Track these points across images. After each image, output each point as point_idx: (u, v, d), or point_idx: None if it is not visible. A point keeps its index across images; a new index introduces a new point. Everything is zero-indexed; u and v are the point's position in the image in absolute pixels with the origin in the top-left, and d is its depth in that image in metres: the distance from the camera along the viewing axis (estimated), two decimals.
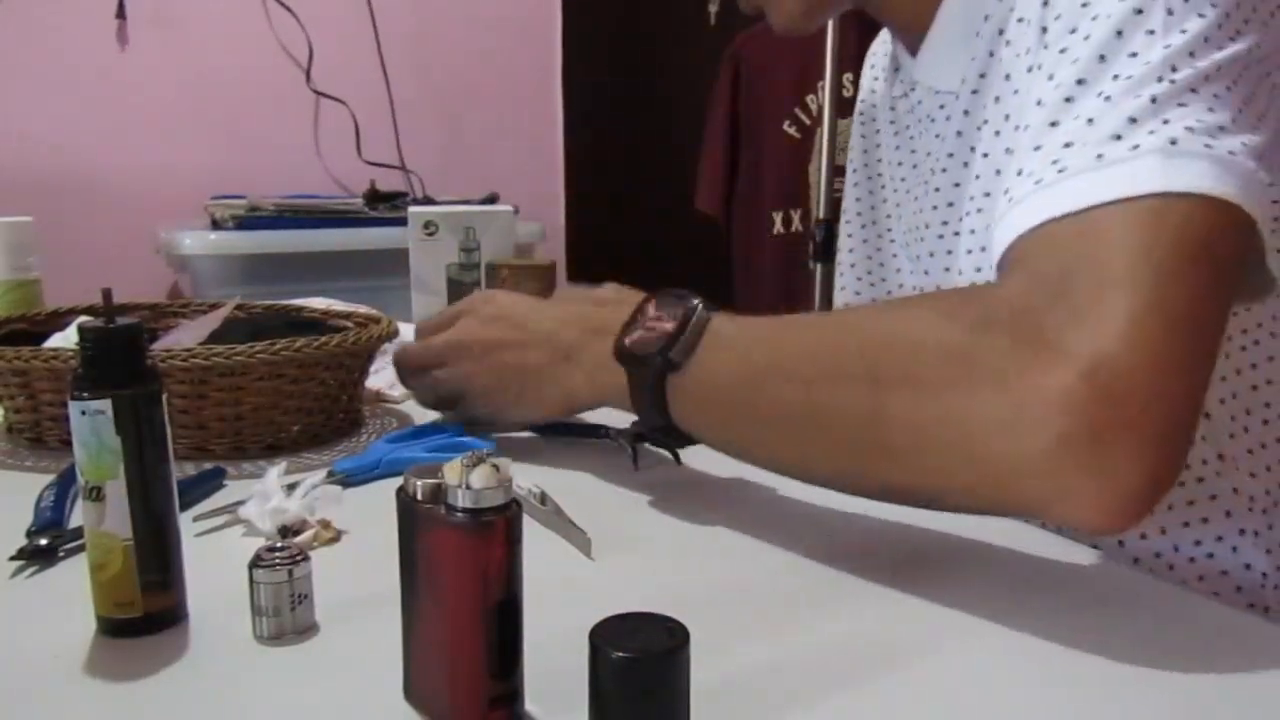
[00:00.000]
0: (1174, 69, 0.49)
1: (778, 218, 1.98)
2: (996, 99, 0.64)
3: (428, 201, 2.10)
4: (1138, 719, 0.42)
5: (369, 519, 0.60)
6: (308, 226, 1.93)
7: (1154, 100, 0.49)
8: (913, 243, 0.77)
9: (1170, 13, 0.50)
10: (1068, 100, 0.51)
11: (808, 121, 1.93)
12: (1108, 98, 0.50)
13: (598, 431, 0.78)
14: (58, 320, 0.88)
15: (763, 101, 1.97)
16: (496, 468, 0.38)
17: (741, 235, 2.04)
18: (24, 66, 2.06)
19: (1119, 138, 0.48)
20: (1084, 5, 0.53)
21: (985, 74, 0.66)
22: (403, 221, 1.26)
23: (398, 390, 0.93)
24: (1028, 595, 0.53)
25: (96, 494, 0.46)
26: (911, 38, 0.73)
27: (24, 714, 0.42)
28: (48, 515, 0.59)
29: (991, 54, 0.65)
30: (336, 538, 0.59)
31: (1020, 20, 0.62)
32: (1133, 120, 0.49)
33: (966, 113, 0.68)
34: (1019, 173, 0.52)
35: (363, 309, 0.95)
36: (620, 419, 0.80)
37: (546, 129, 2.62)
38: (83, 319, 0.72)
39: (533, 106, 2.59)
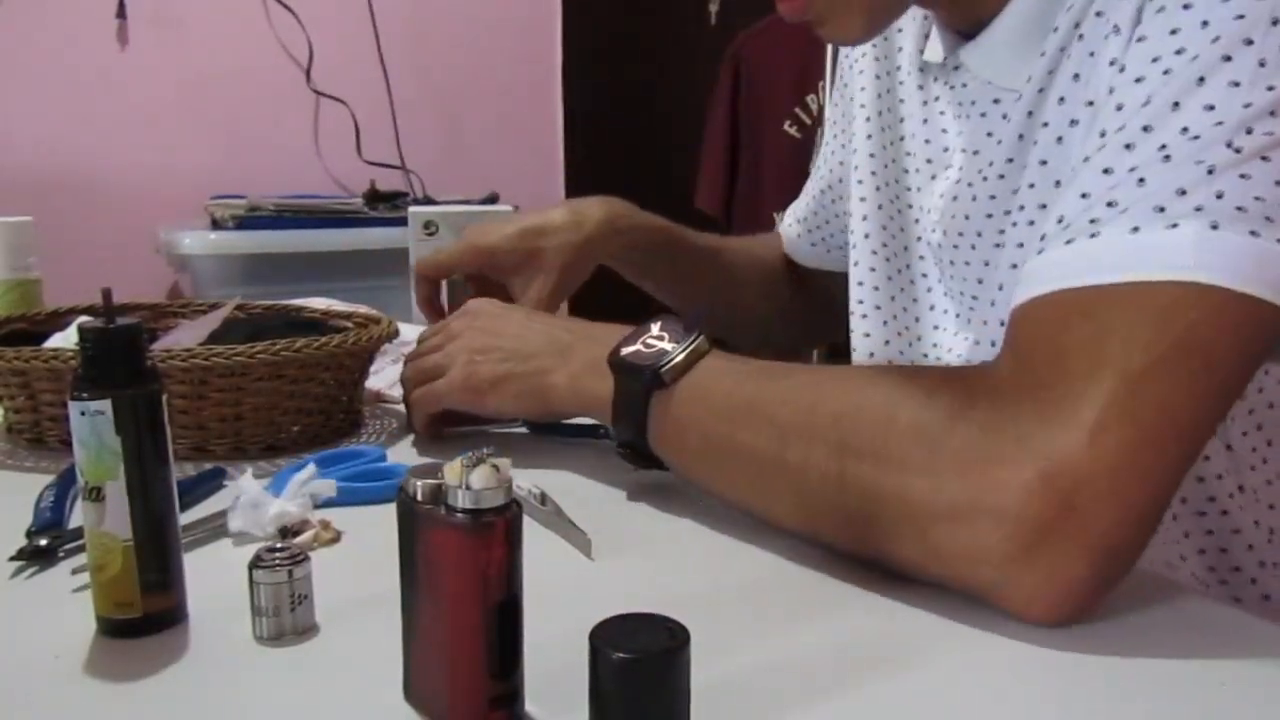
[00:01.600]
0: (1248, 131, 0.45)
1: (778, 218, 1.98)
2: (1061, 100, 0.59)
3: (428, 201, 2.10)
4: (1137, 719, 0.42)
5: (369, 519, 0.60)
6: (308, 226, 1.93)
7: (1211, 172, 0.45)
8: (948, 244, 0.71)
9: (1262, 64, 0.46)
10: (1128, 147, 0.48)
11: (808, 121, 1.93)
12: (1167, 157, 0.47)
13: (597, 431, 0.78)
14: (57, 320, 0.88)
15: (763, 101, 1.97)
16: (496, 468, 0.38)
17: (742, 235, 2.04)
18: (24, 66, 2.06)
19: (1162, 210, 0.46)
20: (1172, 33, 0.49)
21: (1054, 71, 0.60)
22: (403, 221, 1.26)
23: (397, 391, 0.93)
24: None
25: (96, 494, 0.46)
26: (964, 23, 0.67)
27: (24, 714, 0.42)
28: (47, 516, 0.59)
29: (1063, 50, 0.60)
30: (336, 538, 0.59)
31: (1099, 15, 0.57)
32: (1181, 192, 0.45)
33: (1030, 114, 0.62)
34: (1059, 219, 0.50)
35: (363, 309, 0.95)
36: None
37: (546, 129, 2.62)
38: (83, 319, 0.72)
39: (533, 106, 2.59)
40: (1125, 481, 0.44)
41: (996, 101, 0.67)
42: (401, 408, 0.90)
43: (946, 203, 0.71)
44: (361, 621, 0.48)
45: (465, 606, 0.38)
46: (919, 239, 0.77)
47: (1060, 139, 0.60)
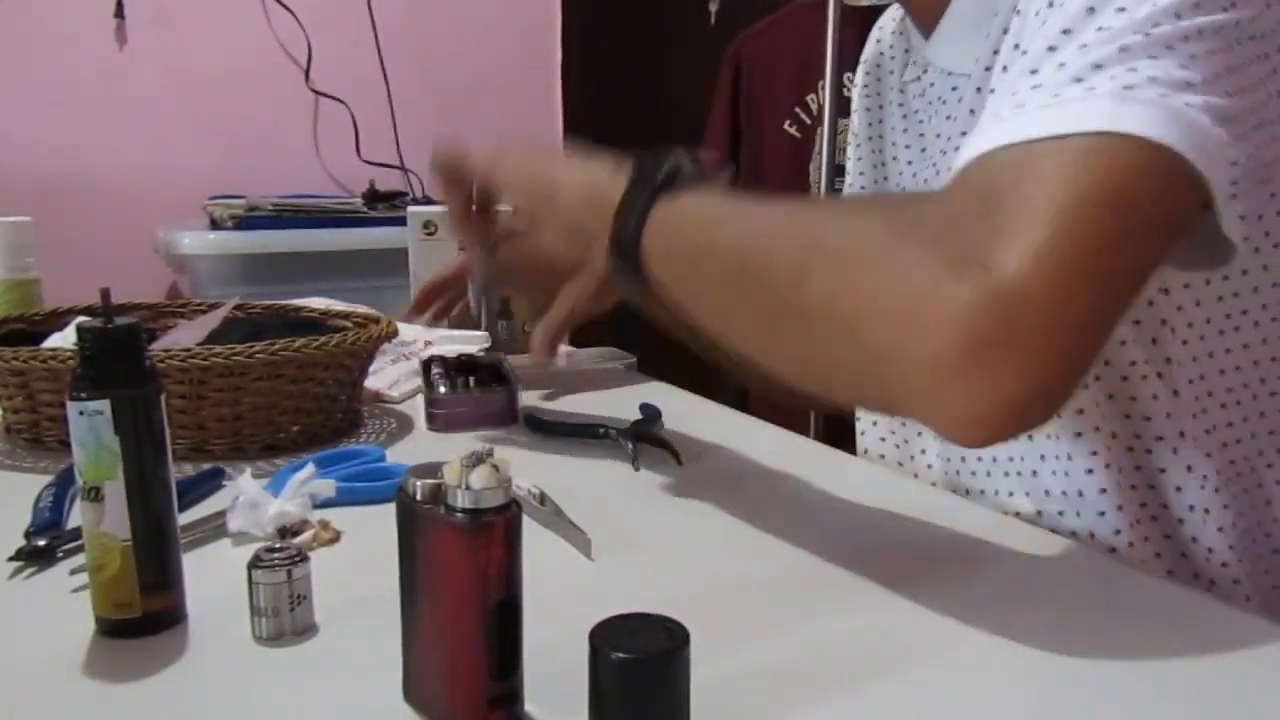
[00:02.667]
0: (1155, 24, 0.50)
1: None
2: (1005, 69, 0.64)
3: (427, 201, 2.10)
4: (1138, 718, 0.42)
5: (368, 519, 0.60)
6: (307, 226, 1.93)
7: (1124, 49, 0.49)
8: None
9: None
10: (1050, 49, 0.52)
11: (808, 121, 1.93)
12: (1084, 46, 0.50)
13: (597, 431, 0.78)
14: (56, 320, 0.88)
15: (763, 101, 1.96)
16: (496, 468, 0.38)
17: None
18: (22, 66, 2.06)
19: (1079, 80, 0.49)
20: None
21: (999, 50, 0.66)
22: (402, 221, 1.26)
23: (397, 390, 0.93)
24: (1027, 596, 0.53)
25: (95, 495, 0.46)
26: (927, 19, 0.74)
27: (24, 714, 0.42)
28: (46, 516, 0.59)
29: (1006, 30, 0.66)
30: (336, 538, 0.59)
31: None
32: (1098, 66, 0.49)
33: (979, 90, 0.69)
34: (990, 114, 0.53)
35: (362, 309, 0.95)
36: (620, 419, 0.80)
37: (546, 129, 2.62)
38: (81, 319, 0.72)
39: (533, 106, 2.59)
40: (1064, 306, 0.45)
41: (954, 88, 0.73)
42: (400, 408, 0.90)
43: (920, 186, 0.78)
44: (361, 621, 0.48)
45: (465, 606, 0.38)
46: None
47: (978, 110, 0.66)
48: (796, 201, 0.59)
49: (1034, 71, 0.52)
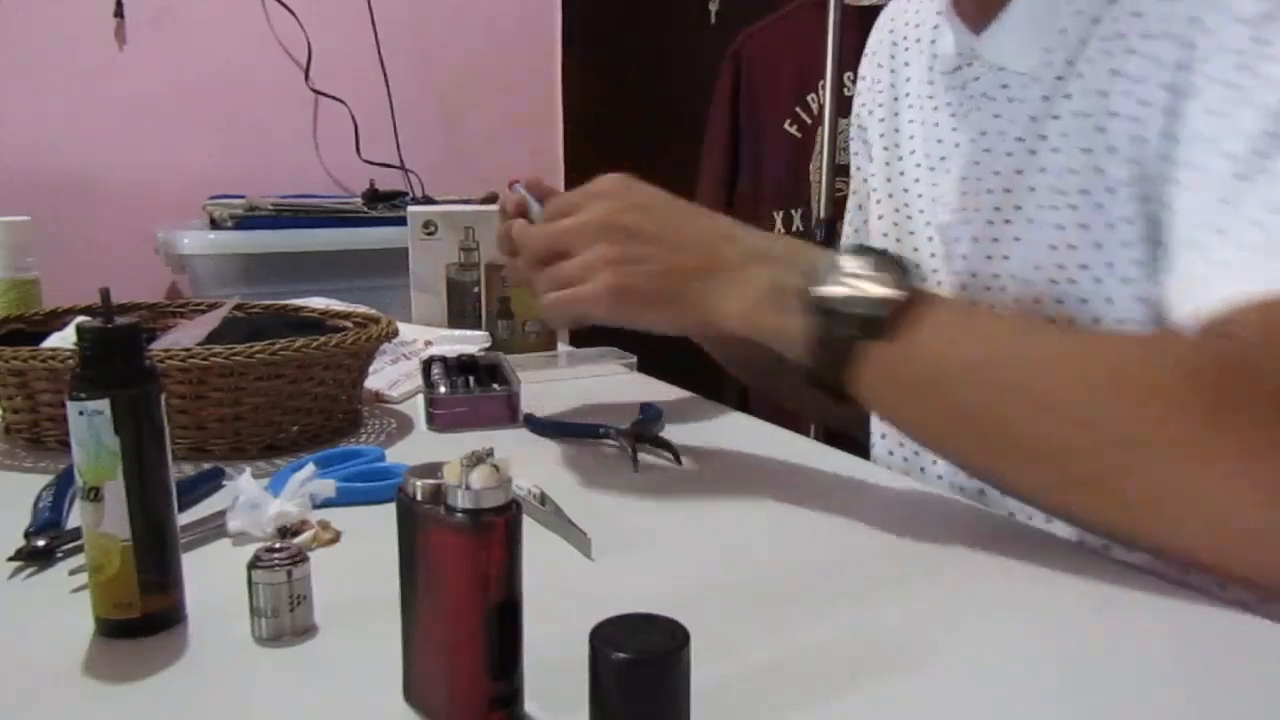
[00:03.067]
0: None
1: (779, 217, 1.98)
2: (1103, 93, 0.62)
3: (427, 201, 2.10)
4: (1138, 718, 0.42)
5: (368, 519, 0.60)
6: (307, 226, 1.93)
7: None
8: (956, 223, 0.75)
9: None
10: (1257, 154, 0.52)
11: (809, 120, 1.93)
12: None
13: (597, 431, 0.78)
14: (56, 320, 0.88)
15: (763, 100, 1.96)
16: (496, 468, 0.38)
17: None
18: (22, 66, 2.06)
19: None
20: (1258, 42, 0.54)
21: (1073, 61, 0.65)
22: (402, 221, 1.26)
23: (397, 390, 0.93)
24: (1029, 595, 0.53)
25: (95, 495, 0.46)
26: (980, 12, 0.72)
27: (23, 714, 0.42)
28: (46, 516, 0.59)
29: (1083, 42, 0.64)
30: (336, 538, 0.59)
31: (1136, 15, 0.61)
32: None
33: (1045, 99, 0.67)
34: (1220, 231, 0.53)
35: (362, 309, 0.95)
36: (621, 418, 0.80)
37: (546, 128, 2.62)
38: (81, 319, 0.72)
39: (532, 106, 2.59)
40: None
41: (1004, 86, 0.71)
42: (400, 408, 0.90)
43: (954, 182, 0.75)
44: (361, 622, 0.48)
45: (465, 607, 0.38)
46: (915, 231, 0.81)
47: (1102, 129, 0.62)
48: (1035, 332, 0.58)
49: (1242, 178, 0.52)
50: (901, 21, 0.87)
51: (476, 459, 0.38)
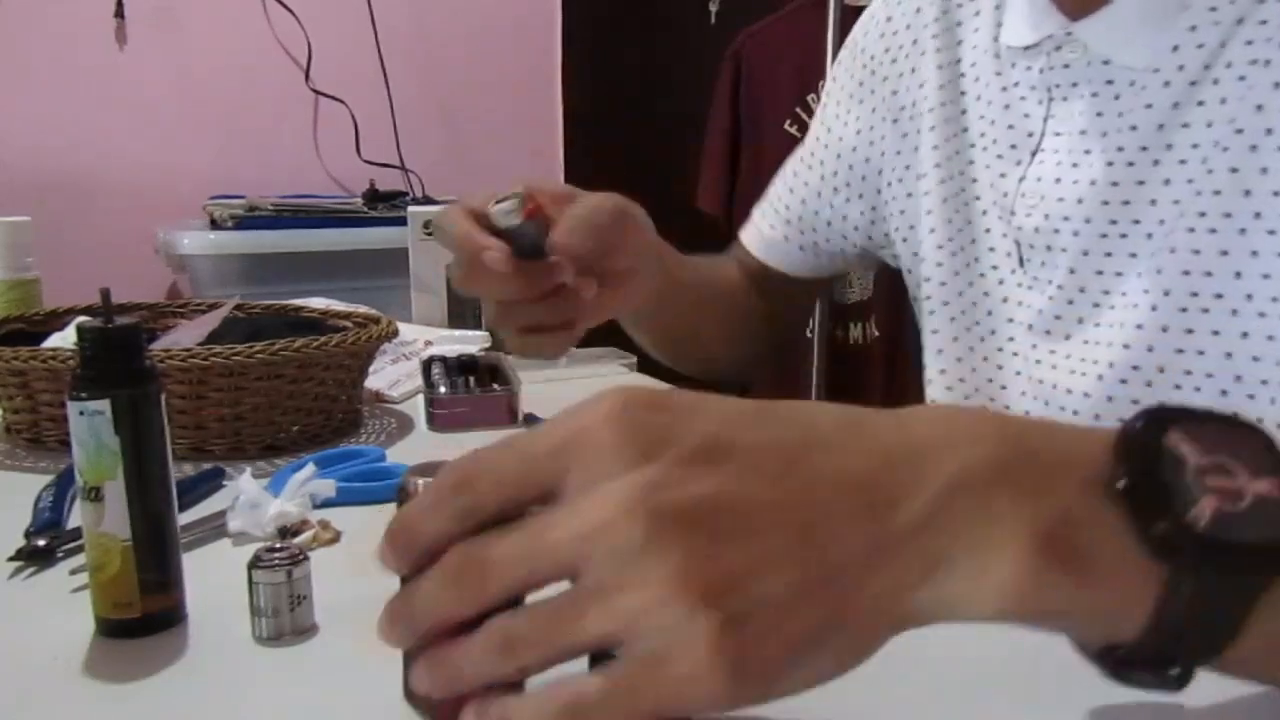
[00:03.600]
0: None
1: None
2: (1259, 108, 0.57)
3: (427, 201, 2.10)
4: (1141, 717, 0.42)
5: (368, 519, 0.60)
6: (307, 226, 1.93)
7: None
8: (1047, 228, 0.67)
9: None
10: None
11: (809, 120, 1.93)
12: None
13: None
14: (56, 320, 0.88)
15: (763, 100, 1.96)
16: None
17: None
18: (22, 66, 2.06)
19: None
20: None
21: (1210, 65, 0.59)
22: (402, 221, 1.26)
23: (397, 390, 0.93)
24: None
25: (95, 495, 0.46)
26: (1079, 2, 0.64)
27: (24, 714, 0.42)
28: (46, 516, 0.59)
29: (1223, 45, 0.58)
30: (336, 538, 0.59)
31: None
32: None
33: (1175, 105, 0.60)
34: None
35: (362, 309, 0.95)
36: None
37: (546, 128, 2.62)
38: (82, 319, 0.72)
39: (532, 106, 2.59)
40: None
41: (1110, 82, 0.64)
42: (401, 408, 0.90)
43: (1047, 186, 0.67)
44: (361, 621, 0.48)
45: None
46: (988, 230, 0.73)
47: (1254, 147, 0.57)
48: None
49: None
50: None
51: None
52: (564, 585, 0.32)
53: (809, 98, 1.92)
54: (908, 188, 0.80)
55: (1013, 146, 0.70)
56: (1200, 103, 0.60)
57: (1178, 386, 0.62)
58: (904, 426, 0.33)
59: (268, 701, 0.43)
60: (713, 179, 2.05)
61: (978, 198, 0.74)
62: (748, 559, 0.30)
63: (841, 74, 0.87)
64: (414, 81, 2.40)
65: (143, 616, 0.47)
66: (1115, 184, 0.63)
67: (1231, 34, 0.58)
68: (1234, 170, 0.58)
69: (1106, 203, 0.64)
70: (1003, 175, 0.71)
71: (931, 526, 0.31)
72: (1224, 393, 0.60)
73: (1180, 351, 0.61)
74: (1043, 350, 0.69)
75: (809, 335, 1.81)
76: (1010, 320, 0.72)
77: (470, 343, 1.08)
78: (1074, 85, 0.66)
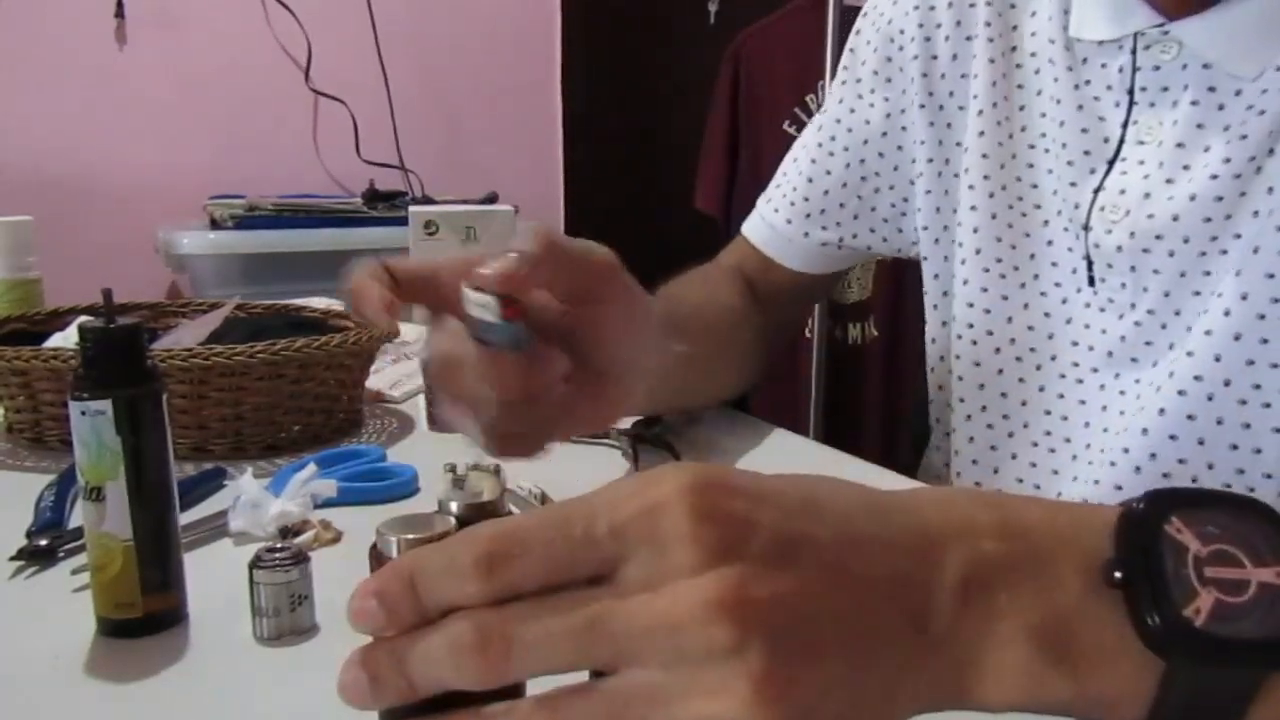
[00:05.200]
0: None
1: None
2: None
3: (427, 201, 2.10)
4: None
5: (369, 519, 0.60)
6: (307, 226, 1.93)
7: None
8: (1133, 247, 0.61)
9: None
10: None
11: (808, 120, 1.93)
12: None
13: (597, 431, 0.78)
14: (57, 320, 0.88)
15: (763, 100, 1.96)
16: (492, 471, 0.38)
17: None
18: (22, 65, 2.06)
19: None
20: None
21: None
22: (402, 221, 1.26)
23: (397, 390, 0.93)
24: None
25: (97, 494, 0.46)
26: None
27: (24, 714, 0.42)
28: (48, 515, 0.59)
29: None
30: (336, 538, 0.59)
31: None
32: None
33: (1271, 133, 0.56)
34: None
35: None
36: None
37: (546, 128, 2.62)
38: (83, 319, 0.72)
39: (532, 105, 2.59)
40: None
41: (1213, 89, 0.58)
42: (402, 408, 0.90)
43: (1133, 199, 0.61)
44: None
45: None
46: (1050, 243, 0.67)
47: None
48: None
49: None
50: None
51: (468, 468, 0.38)
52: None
53: (808, 98, 1.92)
54: (945, 184, 0.73)
55: (1086, 153, 0.64)
56: None
57: (1243, 402, 0.57)
58: (917, 512, 0.32)
59: (268, 701, 0.43)
60: (712, 179, 2.05)
61: (1038, 206, 0.68)
62: (820, 677, 0.29)
63: (863, 48, 0.78)
64: (414, 81, 2.40)
65: (143, 616, 0.47)
66: (1220, 199, 0.58)
67: None
68: None
69: (1209, 219, 0.58)
70: (1073, 184, 0.65)
71: (952, 632, 0.31)
72: None
73: (1251, 364, 0.57)
74: (1126, 380, 0.63)
75: (808, 335, 1.81)
76: (1075, 344, 0.66)
77: None
78: (1164, 89, 0.60)
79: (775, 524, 0.29)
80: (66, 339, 0.82)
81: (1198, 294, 0.59)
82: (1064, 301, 0.66)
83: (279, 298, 1.05)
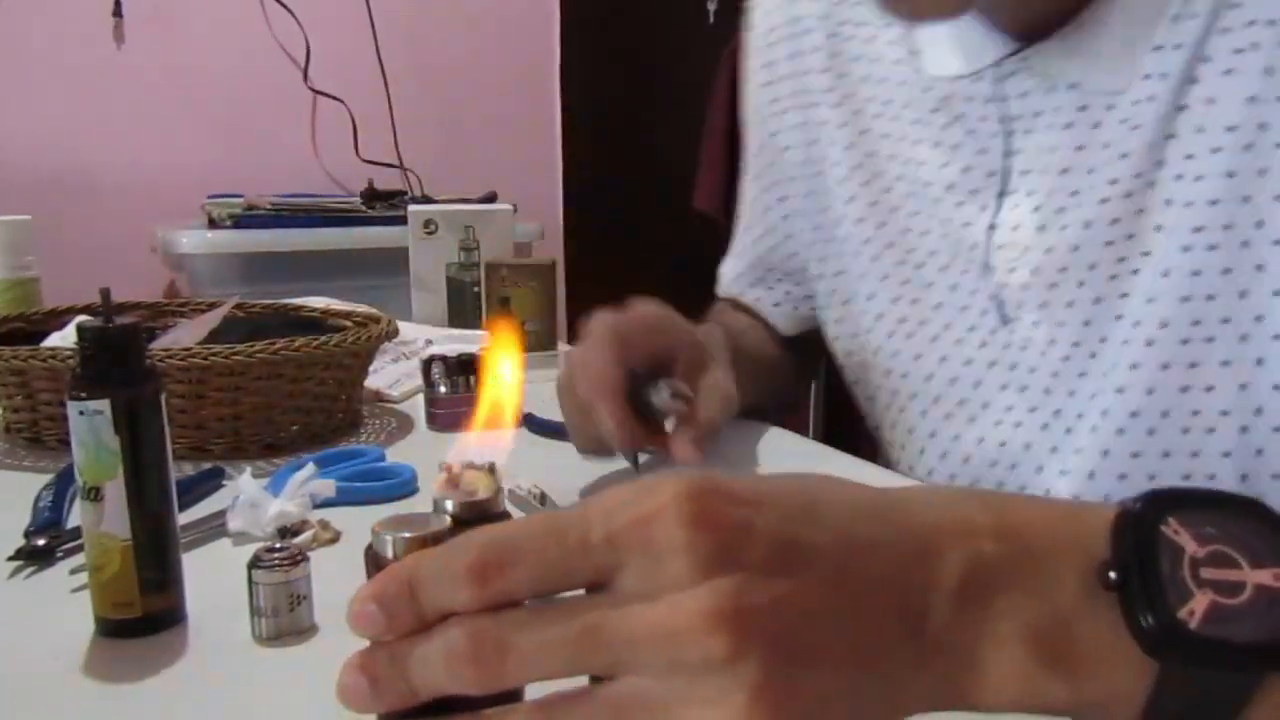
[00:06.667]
0: None
1: None
2: (1251, 99, 0.50)
3: (425, 200, 2.10)
4: None
5: (368, 519, 0.60)
6: (305, 225, 1.93)
7: None
8: (1038, 284, 0.59)
9: None
10: None
11: None
12: None
13: None
14: (55, 319, 0.88)
15: None
16: (487, 469, 0.38)
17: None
18: (20, 65, 2.06)
19: None
20: None
21: (1194, 79, 0.52)
22: (401, 220, 1.26)
23: (397, 390, 0.93)
24: None
25: (95, 494, 0.46)
26: (1032, 22, 0.56)
27: (24, 714, 0.42)
28: (46, 515, 0.59)
29: (1202, 39, 0.51)
30: (336, 538, 0.59)
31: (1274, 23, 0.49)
32: None
33: (1162, 117, 0.53)
34: None
35: (362, 308, 0.95)
36: None
37: (544, 128, 2.62)
38: (82, 318, 0.72)
39: (531, 105, 2.59)
40: None
41: (1084, 108, 0.56)
42: (401, 408, 0.90)
43: (1028, 234, 0.59)
44: None
45: None
46: (953, 288, 0.65)
47: (1250, 146, 0.50)
48: None
49: None
50: (836, 19, 0.70)
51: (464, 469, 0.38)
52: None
53: None
54: (830, 250, 0.72)
55: (973, 191, 0.62)
56: (1182, 107, 0.53)
57: (1186, 430, 0.54)
58: (915, 512, 0.32)
59: (268, 701, 0.43)
60: (711, 179, 2.05)
61: (933, 253, 0.65)
62: (819, 684, 0.29)
63: (750, 141, 0.80)
64: (412, 80, 2.40)
65: (143, 616, 0.47)
66: (1116, 220, 0.56)
67: (1211, 24, 0.52)
68: (1230, 175, 0.51)
69: (1110, 242, 0.56)
70: (966, 224, 0.62)
71: (950, 634, 0.31)
72: (1244, 429, 0.52)
73: (1185, 390, 0.53)
74: (1046, 412, 0.61)
75: None
76: (1004, 388, 0.63)
77: (470, 342, 1.08)
78: (1037, 115, 0.58)
79: (771, 530, 0.29)
80: (64, 338, 0.82)
81: (1120, 317, 0.56)
82: (982, 345, 0.63)
83: (278, 297, 1.04)
